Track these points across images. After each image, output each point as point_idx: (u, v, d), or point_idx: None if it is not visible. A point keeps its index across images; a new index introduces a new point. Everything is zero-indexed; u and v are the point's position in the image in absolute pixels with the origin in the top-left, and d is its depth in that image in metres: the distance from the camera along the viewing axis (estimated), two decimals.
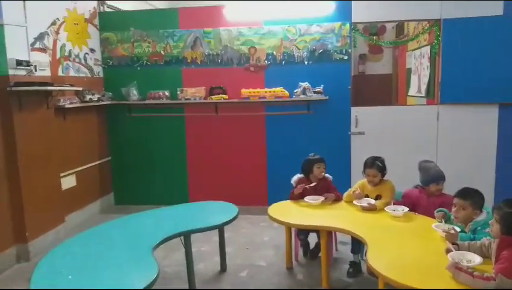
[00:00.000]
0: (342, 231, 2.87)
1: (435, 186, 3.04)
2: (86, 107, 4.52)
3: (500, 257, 1.93)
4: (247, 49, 4.72)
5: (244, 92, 4.68)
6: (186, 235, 2.90)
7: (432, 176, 3.05)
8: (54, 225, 4.02)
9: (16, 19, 3.49)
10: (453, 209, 2.53)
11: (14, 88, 3.39)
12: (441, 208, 2.73)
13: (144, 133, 5.07)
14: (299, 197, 3.41)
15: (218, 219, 3.04)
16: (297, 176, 3.52)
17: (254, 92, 4.67)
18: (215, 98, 4.73)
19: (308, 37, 4.62)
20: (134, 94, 4.83)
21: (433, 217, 2.87)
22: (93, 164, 4.85)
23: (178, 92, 4.81)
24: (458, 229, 2.48)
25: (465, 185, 2.62)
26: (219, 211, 3.26)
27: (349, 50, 4.61)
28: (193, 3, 5.08)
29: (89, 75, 4.72)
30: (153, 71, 4.90)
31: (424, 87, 5.12)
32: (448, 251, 2.22)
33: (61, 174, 4.21)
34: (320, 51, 4.62)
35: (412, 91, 5.69)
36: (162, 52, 4.85)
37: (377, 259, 2.28)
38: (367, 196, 3.30)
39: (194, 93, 4.79)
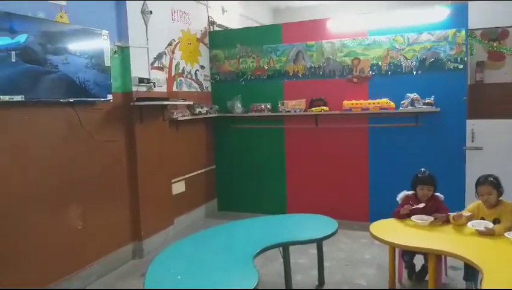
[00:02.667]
0: (453, 256, 2.62)
1: None
2: (195, 119, 4.88)
3: None
4: (351, 61, 4.63)
5: (346, 103, 4.59)
6: (285, 247, 2.93)
7: None
8: (164, 226, 4.38)
9: (139, 42, 3.93)
10: None
11: (136, 103, 3.81)
12: None
13: (246, 144, 5.28)
14: (404, 217, 3.20)
15: (317, 233, 3.02)
16: (404, 193, 3.31)
17: (357, 104, 4.55)
18: (315, 110, 4.72)
19: (418, 46, 4.36)
20: (238, 107, 5.07)
21: None
22: (200, 171, 5.19)
23: (279, 105, 4.91)
24: None
25: None
26: (318, 224, 3.24)
27: (465, 58, 4.23)
28: (296, 17, 5.18)
29: (198, 90, 5.09)
30: (256, 85, 5.09)
31: None
32: None
33: (173, 181, 4.58)
34: (431, 60, 4.32)
35: None
36: (265, 67, 5.01)
37: (495, 287, 2.04)
38: (483, 219, 2.98)
39: (294, 105, 4.84)
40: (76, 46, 3.15)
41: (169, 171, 4.48)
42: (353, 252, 4.04)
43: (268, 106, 4.97)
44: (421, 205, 3.14)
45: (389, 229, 3.07)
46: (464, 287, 3.01)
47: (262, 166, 5.23)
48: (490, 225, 2.82)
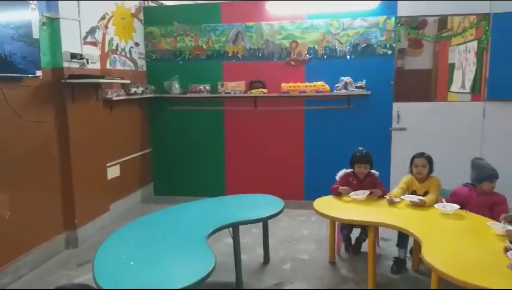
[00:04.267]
0: (391, 227, 2.85)
1: (488, 184, 2.97)
2: (130, 100, 4.64)
3: None
4: (289, 44, 4.72)
5: (284, 86, 4.69)
6: (234, 227, 2.96)
7: (487, 174, 2.98)
8: (99, 213, 4.16)
9: (70, 13, 3.60)
10: None
11: (68, 80, 3.51)
12: (509, 213, 2.66)
13: (183, 126, 5.16)
14: (340, 196, 3.40)
15: (265, 212, 3.08)
16: (343, 171, 3.50)
17: (294, 87, 4.67)
18: (254, 92, 4.76)
19: (352, 31, 4.58)
20: (176, 87, 4.92)
21: (484, 216, 2.83)
22: (136, 154, 4.98)
23: (218, 86, 4.86)
24: None
25: (506, 183, 2.58)
26: (265, 204, 3.30)
27: (394, 44, 4.54)
28: None
29: (133, 68, 4.84)
30: (195, 65, 4.98)
31: (468, 84, 4.98)
32: (507, 249, 2.19)
33: (107, 165, 4.34)
34: (364, 45, 4.57)
35: (455, 87, 5.55)
36: (204, 47, 4.91)
37: (432, 255, 2.26)
38: (414, 192, 3.27)
39: (234, 87, 4.83)
40: (0, 15, 2.80)
41: (104, 154, 4.24)
42: (292, 229, 4.20)
43: (208, 87, 4.90)
44: (365, 195, 3.29)
45: (330, 206, 3.24)
46: (396, 255, 3.29)
47: (201, 149, 5.17)
48: (421, 197, 3.10)
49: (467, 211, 2.94)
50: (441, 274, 2.13)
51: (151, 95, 4.92)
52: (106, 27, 4.25)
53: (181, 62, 5.00)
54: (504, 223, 2.54)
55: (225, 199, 3.50)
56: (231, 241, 3.28)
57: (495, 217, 2.82)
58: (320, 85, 4.62)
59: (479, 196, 3.04)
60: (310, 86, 4.65)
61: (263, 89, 4.75)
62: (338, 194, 3.41)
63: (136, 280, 2.05)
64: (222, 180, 5.18)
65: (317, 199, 3.38)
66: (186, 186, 5.23)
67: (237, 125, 5.03)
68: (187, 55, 4.97)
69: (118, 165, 4.61)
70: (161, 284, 1.99)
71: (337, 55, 4.66)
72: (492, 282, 1.95)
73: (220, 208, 3.23)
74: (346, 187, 3.37)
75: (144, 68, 5.09)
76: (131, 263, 2.25)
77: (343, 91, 4.58)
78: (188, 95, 4.93)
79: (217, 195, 3.55)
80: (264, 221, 3.33)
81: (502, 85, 4.29)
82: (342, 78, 4.59)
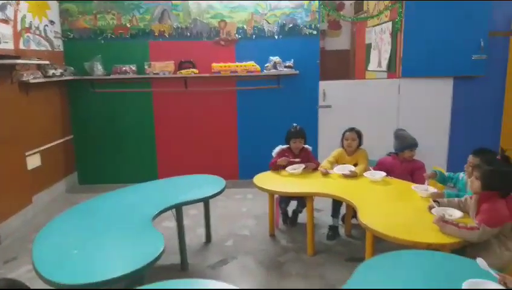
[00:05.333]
0: (330, 196, 3.05)
1: (409, 152, 3.31)
2: (48, 83, 4.27)
3: (481, 209, 2.18)
4: (217, 23, 4.68)
5: (215, 66, 4.66)
6: (178, 208, 2.93)
7: (408, 143, 3.31)
8: (21, 206, 3.85)
9: None
10: (465, 165, 2.78)
11: None
12: (434, 169, 2.99)
13: (108, 110, 4.90)
14: (280, 167, 3.52)
15: (207, 191, 3.08)
16: (279, 147, 3.62)
17: (225, 67, 4.66)
18: (184, 73, 4.66)
19: (278, 11, 4.67)
20: (98, 69, 4.63)
21: (407, 181, 3.15)
22: (57, 142, 4.63)
23: (145, 67, 4.68)
24: (436, 190, 2.75)
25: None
26: (206, 183, 3.30)
27: (318, 25, 4.73)
28: None
29: (49, 48, 4.44)
30: (118, 45, 4.72)
31: (384, 62, 5.39)
32: (430, 207, 2.47)
33: (27, 154, 3.99)
34: (290, 25, 4.70)
35: (372, 66, 5.96)
36: (128, 25, 4.66)
37: (367, 217, 2.47)
38: (344, 165, 3.51)
39: (162, 67, 4.68)
40: None
41: (22, 142, 3.88)
42: (231, 208, 4.27)
43: (133, 68, 4.68)
44: (299, 164, 3.46)
45: (268, 180, 3.35)
46: (330, 223, 3.53)
47: (129, 133, 4.96)
48: (352, 168, 3.34)
49: (392, 177, 3.24)
50: (376, 233, 2.34)
51: (71, 78, 4.57)
52: (18, 3, 3.83)
53: (103, 41, 4.70)
54: (427, 181, 2.84)
55: (165, 181, 3.42)
56: (170, 224, 3.27)
57: (415, 181, 3.16)
58: (251, 65, 4.67)
59: (402, 163, 3.36)
60: (241, 66, 4.67)
61: (193, 69, 4.67)
62: (277, 168, 3.53)
63: (82, 269, 1.95)
64: (153, 165, 5.04)
65: (256, 175, 3.46)
66: (114, 173, 5.01)
67: (167, 107, 4.91)
68: (109, 34, 4.69)
69: (38, 153, 4.25)
70: (110, 270, 1.91)
71: (266, 35, 4.74)
72: (421, 236, 2.20)
73: (160, 190, 3.16)
74: (284, 158, 3.50)
75: (61, 48, 4.69)
76: (75, 251, 2.13)
77: (272, 71, 4.68)
78: (112, 76, 4.67)
79: (149, 180, 3.44)
80: (206, 200, 3.34)
81: (415, 63, 4.70)
82: (271, 58, 4.68)
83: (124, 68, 4.67)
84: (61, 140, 4.74)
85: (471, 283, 1.61)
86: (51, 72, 4.20)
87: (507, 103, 4.96)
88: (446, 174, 3.05)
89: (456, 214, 2.37)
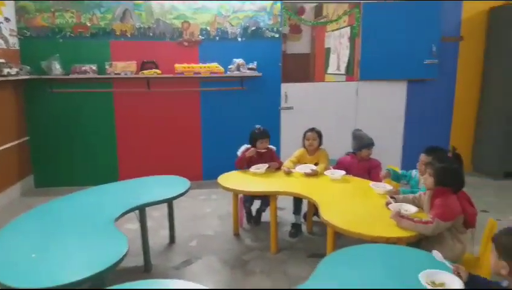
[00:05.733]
0: (293, 195, 3.14)
1: (366, 151, 3.46)
2: (2, 82, 4.09)
3: (434, 204, 2.33)
4: (181, 24, 4.67)
5: (178, 67, 4.65)
6: (141, 209, 2.90)
7: (364, 142, 3.46)
8: None
9: None
10: (418, 163, 2.93)
11: None
12: (387, 168, 3.13)
13: (67, 110, 4.75)
14: (246, 164, 3.57)
15: (170, 192, 3.07)
16: (244, 146, 3.67)
17: (188, 68, 4.66)
18: (147, 73, 4.61)
19: (242, 14, 4.73)
20: (56, 68, 4.49)
21: (365, 179, 3.29)
22: (12, 144, 4.45)
23: (106, 66, 4.59)
24: (391, 187, 2.89)
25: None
26: (169, 184, 3.29)
27: (280, 28, 4.83)
28: None
29: (4, 46, 4.25)
30: (78, 44, 4.59)
31: (343, 66, 5.59)
32: (387, 203, 2.60)
33: None
34: (253, 28, 4.77)
35: (331, 69, 6.16)
36: (88, 24, 4.55)
37: (328, 214, 2.56)
38: (306, 164, 3.61)
39: (124, 67, 4.61)
40: None
41: None
42: (195, 208, 4.27)
43: (94, 68, 4.58)
44: (264, 167, 3.51)
45: (233, 180, 3.39)
46: (293, 221, 3.62)
47: (89, 134, 4.83)
48: (314, 167, 3.45)
49: (351, 175, 3.37)
50: (336, 229, 2.44)
51: (27, 77, 4.39)
52: None
53: (61, 40, 4.56)
54: (384, 179, 2.99)
55: (127, 182, 3.36)
56: (132, 226, 3.22)
57: (373, 179, 3.31)
58: (214, 66, 4.70)
59: (360, 162, 3.51)
60: (204, 67, 4.69)
61: (156, 70, 4.63)
62: (243, 164, 3.58)
63: (42, 272, 1.90)
64: (114, 166, 4.94)
65: (220, 175, 3.48)
66: (73, 176, 4.87)
67: (129, 107, 4.83)
68: (68, 33, 4.56)
69: None
70: (71, 274, 1.87)
71: (229, 37, 4.78)
72: (379, 230, 2.31)
73: (122, 191, 3.11)
74: (252, 149, 3.56)
75: (17, 46, 4.50)
76: (33, 255, 2.06)
77: (236, 72, 4.73)
78: (71, 76, 4.54)
79: (109, 182, 3.37)
80: (169, 201, 3.33)
81: (372, 67, 4.92)
82: (235, 59, 4.73)
83: (84, 68, 4.55)
84: (16, 142, 4.55)
85: (427, 274, 1.72)
86: (5, 71, 4.02)
87: (457, 104, 5.30)
88: (399, 172, 3.22)
89: (411, 209, 2.51)
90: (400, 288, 1.69)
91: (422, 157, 2.88)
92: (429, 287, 1.64)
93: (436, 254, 1.91)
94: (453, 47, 5.15)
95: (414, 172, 3.07)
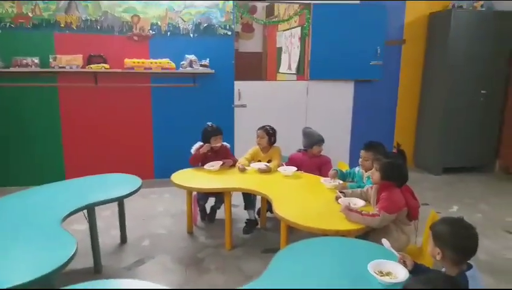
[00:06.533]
0: (247, 191, 3.17)
1: (317, 148, 3.57)
2: None
3: (380, 197, 2.46)
4: (130, 17, 4.54)
5: (128, 62, 4.51)
6: (90, 209, 2.80)
7: (315, 139, 3.56)
8: None
9: None
10: (360, 160, 3.04)
11: None
12: (334, 168, 3.23)
13: (8, 105, 4.45)
14: (201, 161, 3.55)
15: (121, 191, 2.98)
16: (198, 144, 3.64)
17: (139, 63, 4.54)
18: (94, 68, 4.43)
19: (194, 9, 4.68)
20: None
21: (316, 174, 3.39)
22: None
23: (50, 60, 4.35)
24: (341, 182, 3.01)
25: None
26: (120, 182, 3.20)
27: (233, 26, 4.84)
28: None
29: None
30: (19, 35, 4.31)
31: (294, 65, 5.70)
32: (337, 198, 2.70)
33: None
34: (205, 24, 4.74)
35: (283, 68, 6.26)
36: (30, 14, 4.29)
37: (281, 209, 2.62)
38: (259, 161, 3.66)
39: (69, 61, 4.40)
40: None
41: None
42: (146, 208, 4.18)
43: (36, 61, 4.32)
44: (218, 165, 3.52)
45: (187, 178, 3.36)
46: (247, 217, 3.65)
47: (32, 131, 4.56)
48: (267, 164, 3.50)
49: (302, 171, 3.46)
50: (289, 223, 2.50)
51: None
52: None
53: (0, 31, 4.26)
54: (333, 179, 3.10)
55: (75, 181, 3.21)
56: (81, 227, 3.11)
57: (323, 174, 3.41)
58: (166, 62, 4.61)
59: (311, 158, 3.61)
60: (155, 63, 4.59)
61: (104, 64, 4.46)
62: (197, 162, 3.56)
63: None
64: (60, 165, 4.70)
65: (174, 173, 3.44)
66: (15, 175, 4.58)
67: (75, 103, 4.61)
68: (8, 24, 4.26)
69: None
70: (16, 277, 1.78)
71: (181, 32, 4.71)
72: (330, 224, 2.40)
73: (69, 190, 2.97)
74: (206, 145, 3.55)
75: None
76: None
77: (188, 69, 4.67)
78: (11, 69, 4.26)
79: (55, 181, 3.22)
80: (120, 200, 3.24)
81: (321, 67, 5.07)
82: (187, 56, 4.67)
83: (25, 61, 4.29)
84: None
85: (375, 264, 1.82)
86: None
87: (400, 103, 5.61)
88: (344, 171, 3.33)
89: (359, 203, 2.63)
90: (349, 278, 1.78)
91: (362, 153, 3.04)
92: (377, 276, 1.73)
93: (385, 242, 2.02)
94: (396, 49, 5.44)
95: (357, 168, 3.21)
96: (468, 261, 1.68)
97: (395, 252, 1.91)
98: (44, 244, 2.14)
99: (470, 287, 1.57)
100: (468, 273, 1.61)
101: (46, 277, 1.83)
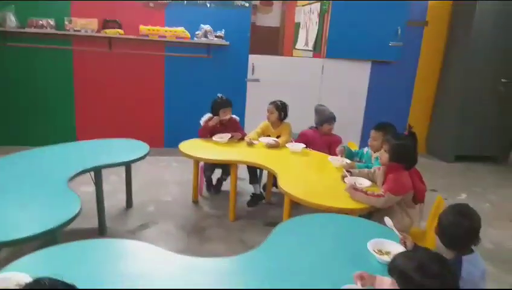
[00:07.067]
0: (253, 165, 3.16)
1: (327, 126, 3.52)
2: None
3: (387, 179, 2.42)
4: None
5: (143, 28, 4.48)
6: (97, 171, 2.83)
7: (326, 117, 3.51)
8: None
9: None
10: (369, 140, 3.00)
11: None
12: (342, 145, 3.19)
13: (22, 66, 4.48)
14: (209, 133, 3.54)
15: (129, 155, 3.01)
16: (207, 115, 3.63)
17: (153, 30, 4.50)
18: (109, 32, 4.41)
19: None
20: (11, 20, 4.19)
21: (326, 153, 3.36)
22: None
23: (66, 22, 4.34)
24: (349, 161, 2.98)
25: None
26: (128, 148, 3.22)
27: None
28: None
29: None
30: None
31: (311, 42, 5.58)
32: (343, 177, 2.68)
33: None
34: None
35: (300, 45, 6.14)
36: None
37: (286, 184, 2.61)
38: (269, 136, 3.64)
39: (84, 24, 4.38)
40: None
41: None
42: (154, 175, 4.22)
43: (52, 22, 4.31)
44: (227, 137, 3.51)
45: (194, 148, 3.35)
46: (253, 192, 3.66)
47: (45, 92, 4.60)
48: (276, 139, 3.48)
49: (312, 149, 3.43)
50: (293, 198, 2.49)
51: None
52: None
53: None
54: (340, 156, 3.07)
55: (85, 143, 3.25)
56: (87, 189, 3.15)
57: (332, 153, 3.37)
58: (181, 31, 4.56)
59: (321, 136, 3.58)
60: (171, 31, 4.54)
61: (119, 30, 4.43)
62: (206, 134, 3.54)
63: None
64: (72, 128, 4.75)
65: (182, 142, 3.44)
66: (27, 135, 4.66)
67: (89, 67, 4.62)
68: None
69: None
70: (20, 230, 1.82)
71: (198, 2, 4.63)
72: (334, 201, 2.39)
73: (79, 152, 3.01)
74: (215, 117, 3.52)
75: None
76: None
77: (203, 39, 4.62)
78: (27, 30, 4.27)
79: (68, 142, 3.26)
80: (128, 165, 3.27)
81: (339, 45, 4.95)
82: (202, 26, 4.61)
83: (41, 22, 4.28)
84: None
85: (375, 242, 1.81)
86: None
87: (417, 86, 5.48)
88: (353, 150, 3.29)
89: (365, 183, 2.60)
90: (347, 254, 1.77)
91: (372, 132, 2.99)
92: (376, 255, 1.72)
93: (388, 220, 2.01)
94: (418, 31, 5.27)
95: (366, 149, 3.17)
96: (472, 248, 1.65)
97: (397, 232, 1.90)
98: (51, 201, 2.18)
99: (464, 271, 1.54)
100: (465, 257, 1.59)
101: (51, 232, 1.87)
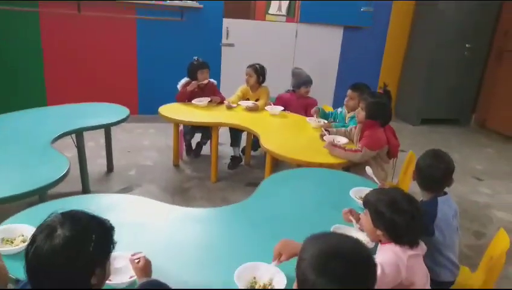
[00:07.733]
0: (234, 126, 3.24)
1: (304, 88, 3.62)
2: None
3: (363, 135, 2.57)
4: None
5: None
6: (78, 133, 2.82)
7: (303, 80, 3.60)
8: None
9: None
10: (346, 99, 3.11)
11: None
12: (317, 106, 3.30)
13: None
14: (188, 98, 3.55)
15: (108, 118, 3.01)
16: (185, 79, 3.63)
17: None
18: None
19: None
20: None
21: (302, 115, 3.46)
22: None
23: None
24: (326, 121, 3.11)
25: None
26: (107, 111, 3.20)
27: None
28: None
29: None
30: None
31: (284, 7, 5.58)
32: (322, 135, 2.80)
33: None
34: None
35: (273, 10, 6.11)
36: None
37: (268, 143, 2.72)
38: (248, 100, 3.69)
39: None
40: None
41: None
42: (131, 141, 4.21)
43: None
44: (206, 101, 3.52)
45: (174, 111, 3.37)
46: (232, 154, 3.75)
47: (11, 57, 4.40)
48: (255, 102, 3.54)
49: (289, 111, 3.53)
50: (275, 155, 2.61)
51: None
52: None
53: None
54: (315, 116, 3.18)
55: (62, 107, 3.20)
56: (67, 154, 3.10)
57: (308, 115, 3.48)
58: None
59: (298, 99, 3.67)
60: None
61: None
62: (184, 98, 3.54)
63: None
64: (42, 94, 4.59)
65: (162, 106, 3.44)
66: None
67: (57, 31, 4.44)
68: None
69: None
70: (13, 187, 1.84)
71: None
72: (314, 157, 2.51)
73: (57, 116, 2.97)
74: (194, 82, 3.53)
75: None
76: None
77: (176, 2, 4.52)
78: None
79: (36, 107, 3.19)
80: (107, 128, 3.26)
81: (312, 9, 4.99)
82: None
83: None
84: None
85: (357, 190, 1.95)
86: None
87: (386, 52, 5.64)
88: (327, 111, 3.41)
89: (342, 140, 2.74)
90: (330, 202, 1.91)
91: (349, 92, 3.11)
92: (358, 201, 1.86)
93: (368, 169, 2.17)
94: None
95: (339, 109, 3.31)
96: (445, 191, 1.82)
97: (376, 180, 2.05)
98: (37, 162, 2.18)
99: (440, 211, 1.71)
100: (440, 198, 1.76)
101: (41, 190, 1.89)
